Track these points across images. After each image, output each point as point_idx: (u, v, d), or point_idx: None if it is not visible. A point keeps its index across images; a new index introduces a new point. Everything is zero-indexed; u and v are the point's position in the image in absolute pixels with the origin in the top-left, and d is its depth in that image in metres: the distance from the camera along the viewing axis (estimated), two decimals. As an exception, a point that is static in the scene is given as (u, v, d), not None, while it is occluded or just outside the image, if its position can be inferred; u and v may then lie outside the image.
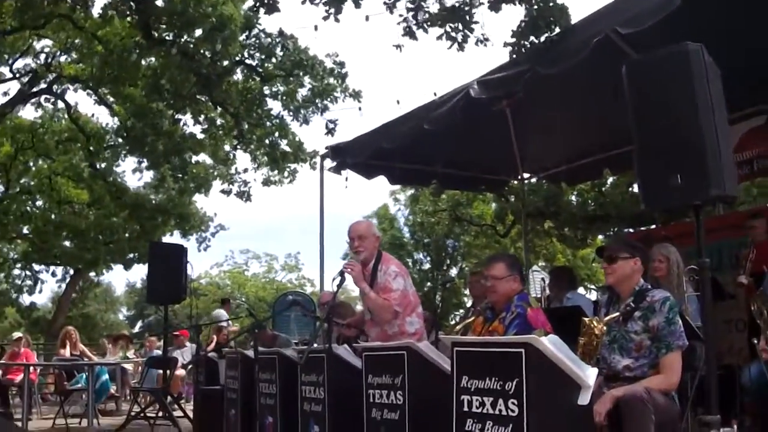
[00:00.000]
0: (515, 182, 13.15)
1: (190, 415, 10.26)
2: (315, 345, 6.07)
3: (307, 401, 6.23)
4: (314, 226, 10.47)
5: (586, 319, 4.82)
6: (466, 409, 4.12)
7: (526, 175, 12.61)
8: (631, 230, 21.04)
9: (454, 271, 39.30)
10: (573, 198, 21.00)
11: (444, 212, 32.03)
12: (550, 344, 3.74)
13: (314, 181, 9.72)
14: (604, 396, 4.52)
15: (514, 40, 7.10)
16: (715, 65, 4.52)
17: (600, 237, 22.84)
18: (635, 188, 20.08)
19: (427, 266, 38.70)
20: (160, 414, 10.86)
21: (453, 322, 32.41)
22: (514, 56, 7.25)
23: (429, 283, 37.78)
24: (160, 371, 12.03)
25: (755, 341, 6.27)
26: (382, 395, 5.22)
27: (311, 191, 16.80)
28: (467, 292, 40.97)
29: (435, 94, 8.03)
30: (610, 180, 19.73)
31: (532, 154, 11.64)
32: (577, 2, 7.04)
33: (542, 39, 6.97)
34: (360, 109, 10.84)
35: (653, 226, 18.58)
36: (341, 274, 6.29)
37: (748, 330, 7.04)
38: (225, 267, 51.14)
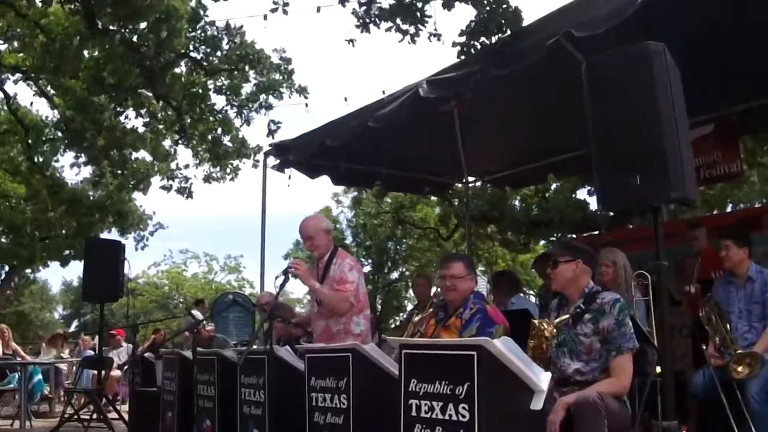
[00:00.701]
0: (459, 186, 13.11)
1: (126, 417, 9.96)
2: (255, 346, 5.84)
3: (246, 404, 6.06)
4: (256, 224, 10.23)
5: (536, 322, 4.76)
6: (414, 414, 3.98)
7: (470, 179, 12.52)
8: (574, 236, 21.27)
9: (395, 275, 39.29)
10: (517, 203, 21.03)
11: (387, 215, 31.97)
12: (503, 346, 3.61)
13: (257, 179, 9.61)
14: (556, 405, 4.42)
15: (463, 39, 7.00)
16: (676, 66, 4.46)
17: (543, 242, 23.01)
18: (578, 194, 20.31)
19: (368, 269, 38.57)
20: (95, 416, 10.55)
21: (393, 326, 32.53)
22: (462, 57, 7.16)
23: (370, 286, 37.71)
24: (95, 372, 11.73)
25: (704, 347, 6.29)
26: (325, 399, 5.05)
27: (253, 189, 16.59)
28: (409, 294, 41.23)
29: (384, 93, 7.92)
30: (554, 186, 19.86)
31: (478, 158, 11.57)
32: (532, 2, 6.98)
33: (493, 40, 6.89)
34: (306, 105, 10.67)
35: (596, 233, 18.90)
36: (285, 273, 6.10)
37: (692, 337, 7.07)
38: (163, 267, 50.51)
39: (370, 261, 38.26)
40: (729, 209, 20.47)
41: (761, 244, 8.13)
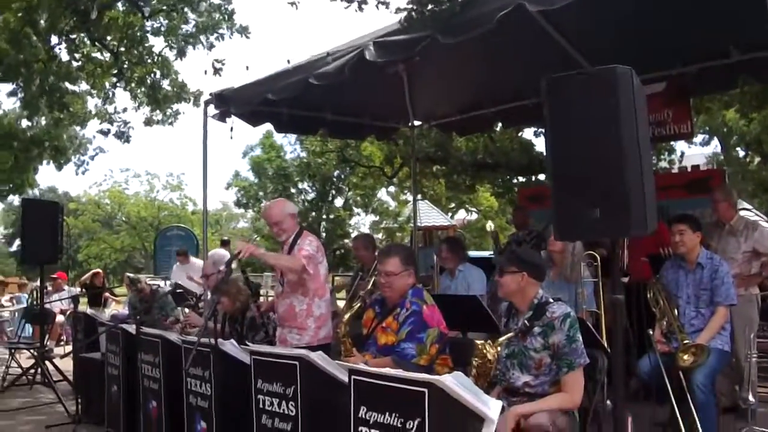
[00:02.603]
0: (405, 129, 12.99)
1: (70, 378, 9.80)
2: (202, 338, 5.62)
3: (193, 394, 5.94)
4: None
5: (479, 344, 4.67)
6: (365, 440, 3.90)
7: (417, 123, 12.40)
8: (521, 179, 21.30)
9: (339, 202, 39.28)
10: (462, 145, 20.90)
11: (332, 153, 31.72)
12: (454, 384, 3.51)
13: (198, 118, 9.30)
14: (506, 413, 4.37)
15: (411, 6, 6.77)
16: (642, 88, 4.31)
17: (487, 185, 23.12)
18: (524, 135, 20.25)
19: (312, 196, 38.47)
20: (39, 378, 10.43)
21: (337, 253, 32.57)
22: (406, 24, 6.93)
23: (314, 213, 37.66)
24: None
25: (650, 331, 6.30)
26: (273, 403, 4.96)
27: (195, 131, 16.14)
28: (352, 222, 41.33)
29: (328, 54, 7.65)
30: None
31: (424, 104, 11.53)
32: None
33: (443, 8, 6.65)
34: (247, 68, 10.36)
35: (543, 176, 18.91)
36: (234, 258, 6.00)
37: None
38: (104, 186, 50.05)
39: (314, 188, 38.12)
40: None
41: (707, 206, 8.19)
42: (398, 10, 6.85)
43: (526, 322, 4.74)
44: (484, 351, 4.63)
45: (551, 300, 4.83)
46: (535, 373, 4.70)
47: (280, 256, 6.53)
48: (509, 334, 4.76)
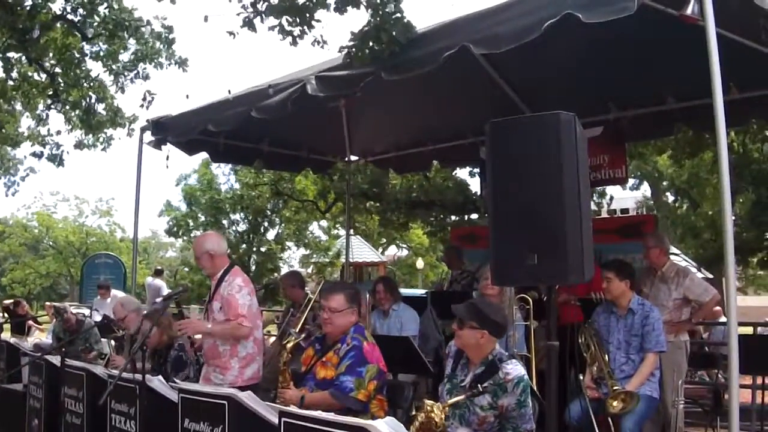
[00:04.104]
0: (341, 163, 13.02)
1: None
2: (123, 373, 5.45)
3: (117, 431, 5.73)
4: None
5: (428, 404, 4.52)
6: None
7: (353, 158, 12.43)
8: (454, 218, 21.40)
9: (271, 235, 38.97)
10: (397, 182, 20.97)
11: (266, 186, 31.50)
12: (388, 429, 3.43)
13: (131, 144, 9.16)
14: None
15: (353, 44, 6.75)
16: (584, 134, 4.32)
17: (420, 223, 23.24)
18: (459, 174, 20.41)
19: (243, 228, 38.09)
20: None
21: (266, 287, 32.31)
22: (348, 60, 6.91)
23: (244, 246, 37.26)
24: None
25: (581, 376, 6.31)
26: (200, 443, 4.81)
27: (125, 156, 15.96)
28: (283, 255, 41.03)
29: (270, 86, 7.58)
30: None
31: (362, 139, 11.58)
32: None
33: (383, 47, 6.65)
34: (187, 96, 10.18)
35: (476, 216, 19.10)
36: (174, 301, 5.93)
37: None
38: (33, 209, 49.53)
39: (246, 220, 37.76)
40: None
41: (639, 251, 8.29)
42: (341, 49, 6.83)
43: (476, 379, 4.66)
44: (432, 413, 4.45)
45: (505, 357, 4.75)
46: (476, 428, 4.63)
47: (224, 329, 6.21)
48: (459, 398, 4.53)
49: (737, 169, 12.66)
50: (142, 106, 11.73)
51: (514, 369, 4.63)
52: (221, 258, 6.52)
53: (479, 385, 4.49)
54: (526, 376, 4.68)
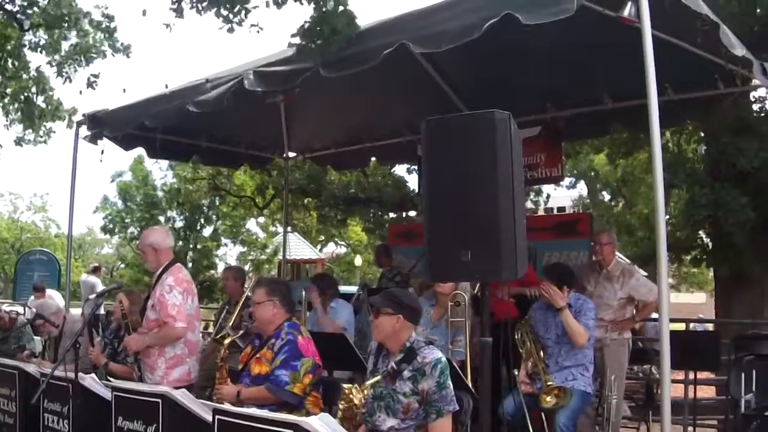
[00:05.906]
0: (280, 160, 12.95)
1: None
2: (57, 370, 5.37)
3: (50, 431, 5.64)
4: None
5: (346, 388, 4.56)
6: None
7: (291, 154, 12.37)
8: (392, 215, 21.45)
9: (207, 231, 38.66)
10: (335, 179, 20.95)
11: (203, 180, 31.22)
12: (321, 426, 3.44)
13: (66, 138, 8.92)
14: None
15: (297, 40, 6.73)
16: (519, 134, 4.36)
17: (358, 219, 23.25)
18: (397, 171, 20.46)
19: (180, 224, 37.68)
20: None
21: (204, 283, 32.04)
22: (291, 54, 6.89)
23: (181, 243, 36.86)
24: None
25: (516, 372, 6.35)
26: (133, 442, 4.76)
27: (61, 151, 15.66)
28: (219, 253, 40.73)
29: (207, 81, 7.52)
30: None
31: (300, 136, 11.54)
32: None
33: (325, 42, 6.64)
34: (124, 90, 9.99)
35: (414, 214, 19.15)
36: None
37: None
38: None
39: (182, 216, 37.40)
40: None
41: (573, 248, 8.40)
42: (290, 45, 6.81)
43: (394, 365, 4.68)
44: (351, 395, 4.53)
45: (423, 343, 4.77)
46: (402, 417, 4.63)
47: (158, 336, 6.10)
48: (376, 378, 4.66)
49: (672, 168, 12.88)
50: (88, 87, 11.47)
51: (431, 353, 4.65)
52: (165, 253, 6.44)
53: (395, 366, 4.62)
54: (444, 358, 4.68)
